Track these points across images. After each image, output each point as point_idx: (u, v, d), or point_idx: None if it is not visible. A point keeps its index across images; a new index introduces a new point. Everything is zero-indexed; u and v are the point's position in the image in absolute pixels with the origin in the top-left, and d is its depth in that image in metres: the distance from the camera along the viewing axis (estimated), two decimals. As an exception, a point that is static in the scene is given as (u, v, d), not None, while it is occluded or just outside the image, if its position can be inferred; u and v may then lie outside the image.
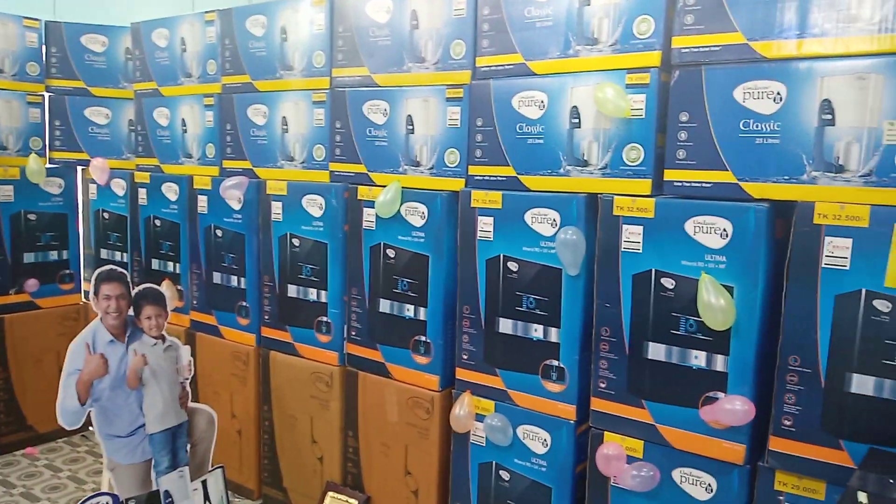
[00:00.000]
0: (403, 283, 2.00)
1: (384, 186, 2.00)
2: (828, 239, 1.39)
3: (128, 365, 2.04)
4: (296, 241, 2.23)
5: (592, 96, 1.63)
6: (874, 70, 1.35)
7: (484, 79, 1.83)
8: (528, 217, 1.75)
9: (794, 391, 1.44)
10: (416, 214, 1.95)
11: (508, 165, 1.80)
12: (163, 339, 2.12)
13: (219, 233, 2.43)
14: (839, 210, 1.38)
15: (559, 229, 1.69)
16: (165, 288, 2.47)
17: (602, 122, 1.65)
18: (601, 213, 1.65)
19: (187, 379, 2.15)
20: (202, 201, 2.47)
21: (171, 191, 2.57)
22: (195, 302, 2.55)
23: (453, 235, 1.92)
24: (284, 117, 2.26)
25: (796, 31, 1.42)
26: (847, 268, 1.37)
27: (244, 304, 2.39)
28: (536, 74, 1.75)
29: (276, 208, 2.26)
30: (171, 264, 2.62)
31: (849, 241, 1.37)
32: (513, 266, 1.79)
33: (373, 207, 2.02)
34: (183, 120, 2.55)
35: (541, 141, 1.74)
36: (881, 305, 1.35)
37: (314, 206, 2.17)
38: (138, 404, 2.07)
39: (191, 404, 2.17)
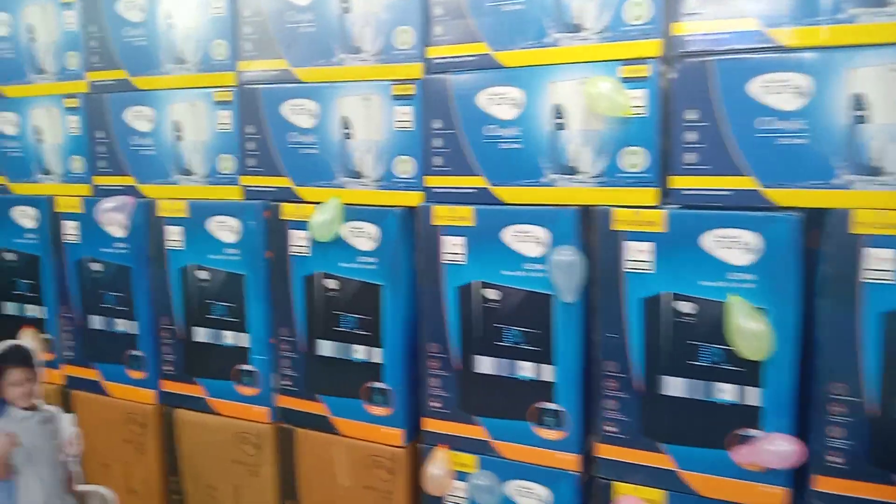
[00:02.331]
0: (350, 320, 1.66)
1: (316, 203, 1.65)
2: (868, 251, 1.23)
3: (-11, 452, 1.56)
4: (203, 274, 1.82)
5: (583, 92, 1.37)
6: (909, 58, 1.20)
7: (439, 72, 1.53)
8: (507, 235, 1.47)
9: (839, 423, 1.27)
10: (364, 236, 1.62)
11: (478, 175, 1.51)
12: (36, 409, 1.65)
13: (96, 266, 1.96)
14: (879, 217, 1.22)
15: (549, 249, 1.43)
16: (29, 339, 1.98)
17: (592, 123, 1.40)
18: (597, 228, 1.41)
19: (74, 456, 1.70)
20: (70, 228, 1.98)
21: (25, 216, 2.05)
22: (69, 353, 2.05)
23: (412, 260, 1.61)
24: (176, 122, 1.83)
25: (825, 15, 1.24)
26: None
27: (136, 352, 1.94)
28: (505, 67, 1.47)
29: (174, 234, 1.83)
30: (30, 308, 2.10)
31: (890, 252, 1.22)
32: (491, 294, 1.51)
33: (303, 229, 1.67)
34: (36, 127, 2.03)
35: (518, 146, 1.47)
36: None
37: (225, 229, 1.77)
38: (10, 498, 1.59)
39: (79, 487, 1.72)
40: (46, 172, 2.04)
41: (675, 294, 1.35)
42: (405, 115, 1.57)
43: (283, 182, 1.72)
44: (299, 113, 1.67)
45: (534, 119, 1.45)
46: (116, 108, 1.90)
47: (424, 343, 1.60)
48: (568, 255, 1.39)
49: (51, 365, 2.07)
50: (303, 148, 1.68)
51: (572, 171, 1.43)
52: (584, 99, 1.37)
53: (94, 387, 2.02)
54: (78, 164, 1.98)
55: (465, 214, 1.51)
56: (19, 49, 2.02)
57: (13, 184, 2.10)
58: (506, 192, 1.49)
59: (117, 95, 1.90)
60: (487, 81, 1.48)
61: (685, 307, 1.35)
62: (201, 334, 1.84)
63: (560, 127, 1.43)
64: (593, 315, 1.44)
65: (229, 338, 1.81)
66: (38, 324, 2.08)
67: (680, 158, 1.35)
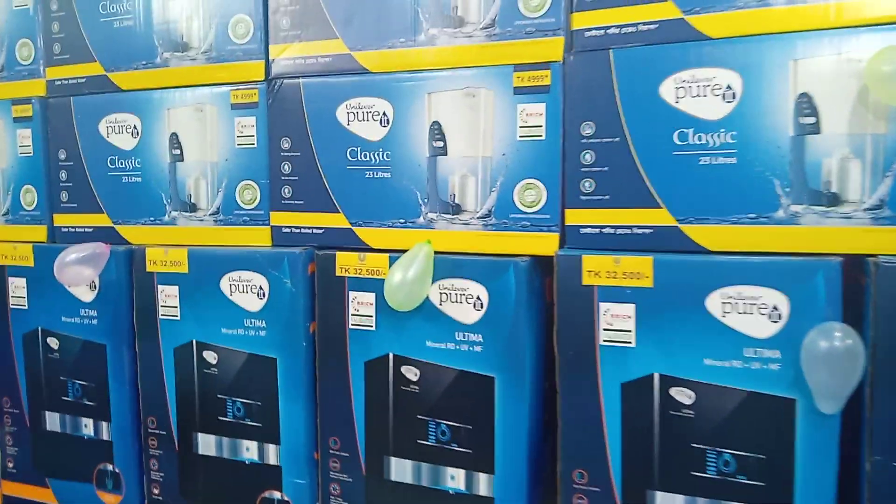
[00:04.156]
0: (442, 430, 1.09)
1: (391, 252, 1.10)
2: None
3: None
4: (210, 356, 1.24)
5: (866, 72, 0.84)
6: None
7: (594, 49, 1.00)
8: (712, 304, 0.93)
9: None
10: (466, 302, 1.06)
11: (659, 206, 0.97)
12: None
13: (53, 342, 1.37)
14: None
15: (788, 323, 0.89)
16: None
17: (867, 123, 0.87)
18: (876, 293, 0.87)
19: None
20: (17, 288, 1.39)
21: (-46, 271, 1.46)
22: (11, 465, 1.44)
23: (541, 339, 1.06)
24: (175, 135, 1.27)
25: None
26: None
27: (110, 467, 1.34)
28: (711, 38, 0.95)
29: (170, 297, 1.26)
30: (-41, 399, 1.50)
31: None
32: (683, 396, 0.95)
33: (370, 291, 1.11)
34: (-27, 146, 1.46)
35: (731, 160, 0.93)
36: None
37: (247, 290, 1.20)
38: None
39: None
40: (-14, 209, 1.46)
41: None
42: (534, 115, 1.03)
43: (335, 220, 1.16)
44: (363, 118, 1.13)
45: (755, 118, 0.91)
46: (87, 118, 1.34)
47: (564, 470, 1.03)
48: (842, 340, 0.84)
49: (-14, 481, 1.47)
50: (368, 169, 1.13)
51: (831, 199, 0.89)
52: (867, 80, 0.84)
53: (47, 514, 1.41)
54: (30, 198, 1.41)
55: (638, 268, 0.96)
56: (-49, 37, 1.46)
57: (-62, 225, 1.52)
58: (707, 234, 0.95)
59: (88, 99, 1.33)
60: (680, 63, 0.95)
61: None
62: (209, 445, 1.26)
63: (809, 129, 0.89)
64: (859, 434, 0.89)
65: (251, 451, 1.23)
66: (-32, 423, 1.47)
67: None
